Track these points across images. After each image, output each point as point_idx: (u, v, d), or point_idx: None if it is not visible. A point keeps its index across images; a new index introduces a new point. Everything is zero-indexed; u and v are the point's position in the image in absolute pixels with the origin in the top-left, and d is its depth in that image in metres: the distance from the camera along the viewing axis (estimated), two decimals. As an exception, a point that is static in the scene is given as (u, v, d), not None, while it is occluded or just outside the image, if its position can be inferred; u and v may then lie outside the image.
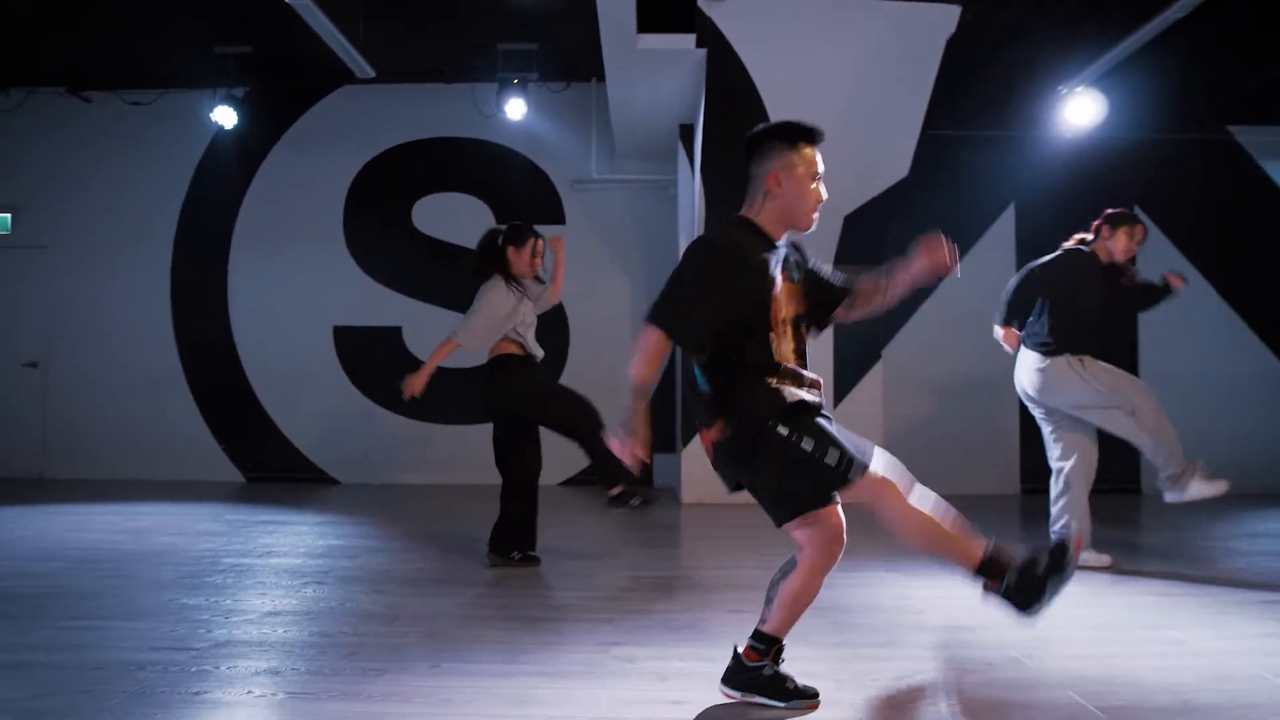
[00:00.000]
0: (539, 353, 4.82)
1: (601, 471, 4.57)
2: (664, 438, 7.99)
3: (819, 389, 2.65)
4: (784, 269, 2.64)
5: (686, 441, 7.28)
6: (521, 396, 4.69)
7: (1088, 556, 4.60)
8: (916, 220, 7.69)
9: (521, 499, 4.72)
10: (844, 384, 7.36)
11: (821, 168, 2.65)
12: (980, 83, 7.63)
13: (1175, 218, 8.19)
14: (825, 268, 2.83)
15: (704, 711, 2.60)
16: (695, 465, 7.05)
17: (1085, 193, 7.72)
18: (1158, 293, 4.93)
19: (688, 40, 6.26)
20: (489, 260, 4.78)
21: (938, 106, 6.43)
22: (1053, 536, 2.38)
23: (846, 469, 2.47)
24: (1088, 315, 4.68)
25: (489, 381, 4.74)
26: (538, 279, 5.00)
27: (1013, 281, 4.89)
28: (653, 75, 6.69)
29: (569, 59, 8.05)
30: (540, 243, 4.85)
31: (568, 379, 8.31)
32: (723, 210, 6.64)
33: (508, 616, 3.69)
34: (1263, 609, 3.81)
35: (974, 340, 8.02)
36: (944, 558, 2.61)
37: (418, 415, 8.40)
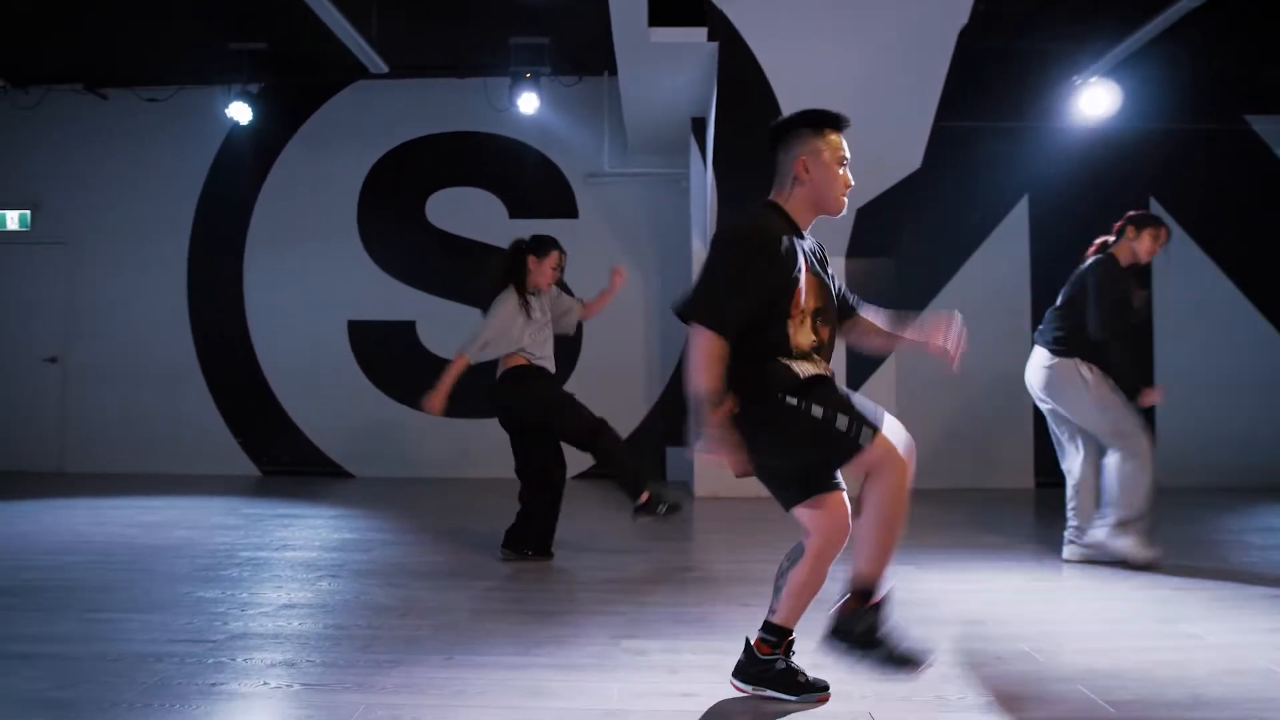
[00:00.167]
0: (551, 368, 4.82)
1: (624, 482, 4.56)
2: (676, 431, 7.99)
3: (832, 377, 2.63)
4: (808, 259, 2.63)
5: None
6: (532, 408, 4.69)
7: (1131, 549, 4.52)
8: (929, 213, 7.78)
9: (543, 504, 4.73)
10: (857, 378, 7.36)
11: (848, 153, 2.65)
12: (993, 74, 7.60)
13: (1191, 209, 8.14)
14: (839, 281, 2.82)
15: (715, 704, 2.62)
16: (708, 458, 7.06)
17: (1100, 184, 7.72)
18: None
19: (699, 33, 6.25)
20: (508, 270, 4.77)
21: (950, 98, 6.40)
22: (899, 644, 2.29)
23: (857, 434, 2.40)
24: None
25: (501, 392, 4.74)
26: (564, 287, 4.98)
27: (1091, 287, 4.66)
28: (664, 69, 6.68)
29: (581, 53, 8.06)
30: (563, 257, 4.84)
31: (580, 372, 8.36)
32: (735, 203, 6.65)
33: (521, 610, 3.72)
34: (1275, 603, 3.80)
35: (988, 334, 8.02)
36: (870, 556, 2.47)
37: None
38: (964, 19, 5.91)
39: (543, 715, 2.53)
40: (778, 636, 2.66)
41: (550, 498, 4.74)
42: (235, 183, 8.81)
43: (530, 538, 4.70)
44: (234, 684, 2.76)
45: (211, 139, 8.78)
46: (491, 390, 4.79)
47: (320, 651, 3.11)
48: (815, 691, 2.63)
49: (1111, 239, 4.79)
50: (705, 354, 2.45)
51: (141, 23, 7.49)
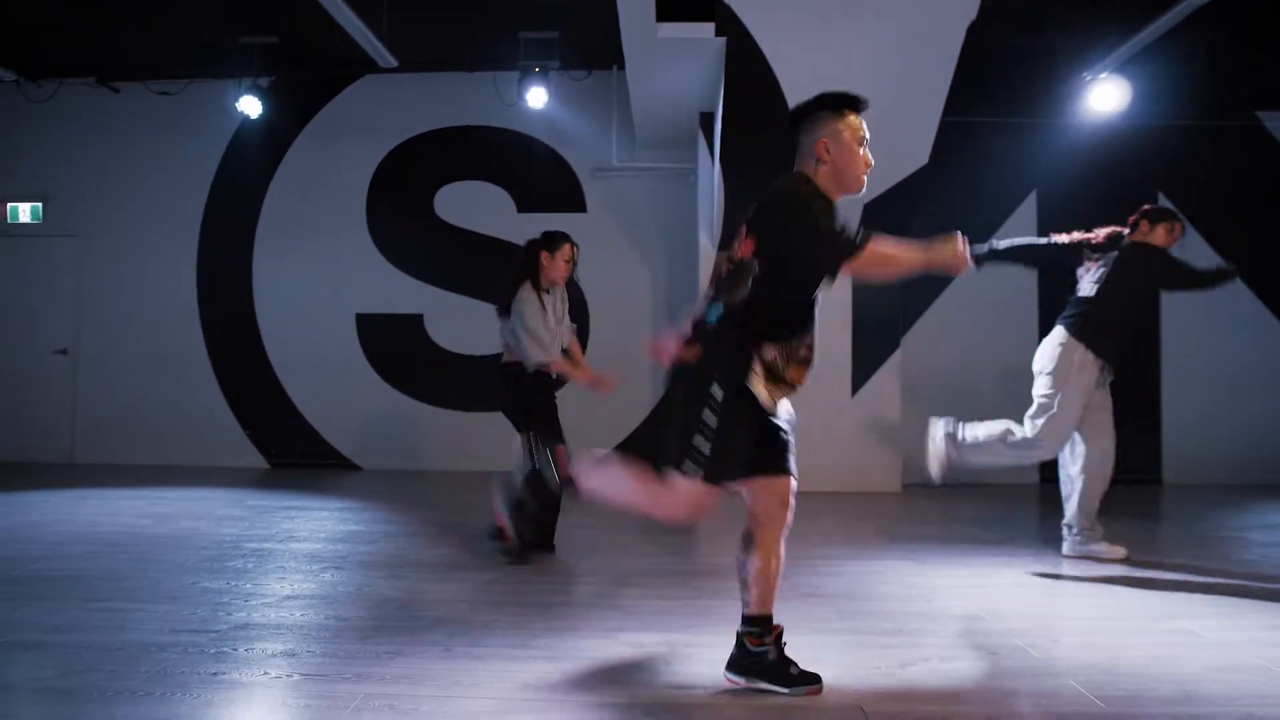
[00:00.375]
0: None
1: (513, 508, 4.53)
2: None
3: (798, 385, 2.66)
4: None
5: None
6: (517, 406, 4.73)
7: (1101, 549, 4.60)
8: (937, 208, 7.76)
9: (543, 500, 4.75)
10: (863, 372, 7.36)
11: (867, 133, 2.70)
12: (1002, 69, 7.56)
13: (1200, 205, 8.08)
14: None
15: (710, 697, 2.65)
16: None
17: (1109, 180, 7.69)
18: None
19: (707, 29, 6.26)
20: (523, 268, 4.77)
21: (959, 93, 6.39)
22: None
23: (690, 466, 2.55)
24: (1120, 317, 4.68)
25: (502, 385, 4.79)
26: (576, 283, 5.01)
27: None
28: (672, 64, 6.69)
29: (590, 47, 8.07)
30: (575, 250, 4.85)
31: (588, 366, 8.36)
32: (743, 198, 6.65)
33: (520, 602, 3.75)
34: (1274, 601, 3.80)
35: (993, 328, 8.02)
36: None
37: (440, 402, 8.51)
38: (973, 14, 5.90)
39: (537, 706, 2.56)
40: (760, 627, 2.69)
41: (550, 494, 4.75)
42: (245, 176, 8.86)
43: (533, 531, 4.73)
44: (235, 673, 2.81)
45: (222, 132, 8.82)
46: (498, 383, 4.85)
47: (321, 642, 3.15)
48: (807, 684, 2.66)
49: (1125, 230, 4.78)
50: (884, 254, 2.51)
51: (153, 16, 7.53)
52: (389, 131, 8.79)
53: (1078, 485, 4.67)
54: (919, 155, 6.66)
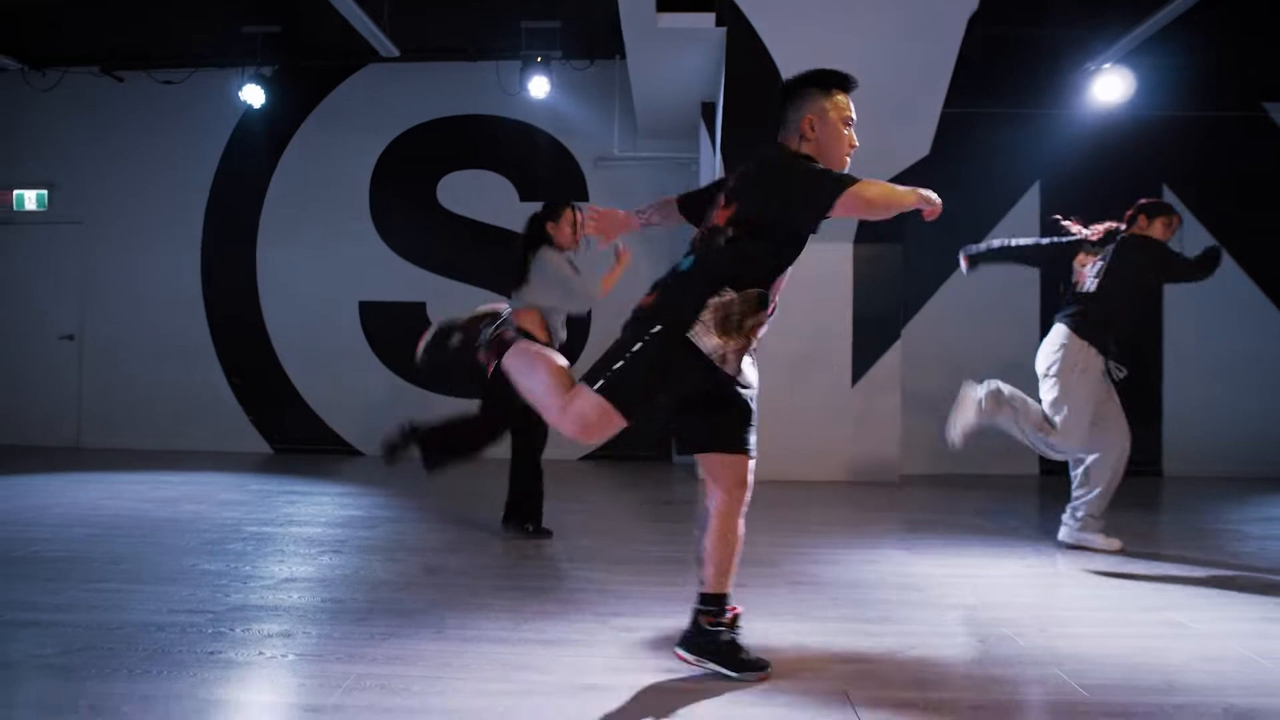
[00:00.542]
0: (562, 334, 4.84)
1: (447, 438, 4.50)
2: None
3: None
4: None
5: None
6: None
7: (1098, 540, 4.61)
8: (939, 199, 7.75)
9: (526, 473, 4.79)
10: (864, 362, 7.37)
11: (854, 114, 2.70)
12: (1005, 60, 7.56)
13: (1205, 197, 8.08)
14: None
15: (694, 680, 2.67)
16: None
17: (1112, 171, 7.68)
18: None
19: (707, 19, 6.27)
20: (531, 240, 4.78)
21: (961, 84, 6.38)
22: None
23: (597, 382, 2.57)
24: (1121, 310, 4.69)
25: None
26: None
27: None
28: (673, 54, 6.71)
29: (592, 37, 8.08)
30: (577, 214, 4.85)
31: (588, 357, 8.39)
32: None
33: (515, 586, 3.78)
34: (1264, 593, 3.82)
35: (994, 320, 8.02)
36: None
37: (441, 389, 8.53)
38: (974, 5, 5.90)
39: (523, 687, 2.59)
40: (716, 605, 2.72)
41: (530, 466, 4.78)
42: (249, 164, 8.90)
43: (526, 512, 4.77)
44: (231, 653, 2.84)
45: (226, 121, 8.86)
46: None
47: (316, 624, 3.19)
48: (755, 670, 2.68)
49: (1122, 226, 4.78)
50: (870, 197, 2.50)
51: (157, 6, 7.58)
52: (392, 120, 8.82)
53: (1102, 476, 4.65)
54: (920, 146, 6.66)
